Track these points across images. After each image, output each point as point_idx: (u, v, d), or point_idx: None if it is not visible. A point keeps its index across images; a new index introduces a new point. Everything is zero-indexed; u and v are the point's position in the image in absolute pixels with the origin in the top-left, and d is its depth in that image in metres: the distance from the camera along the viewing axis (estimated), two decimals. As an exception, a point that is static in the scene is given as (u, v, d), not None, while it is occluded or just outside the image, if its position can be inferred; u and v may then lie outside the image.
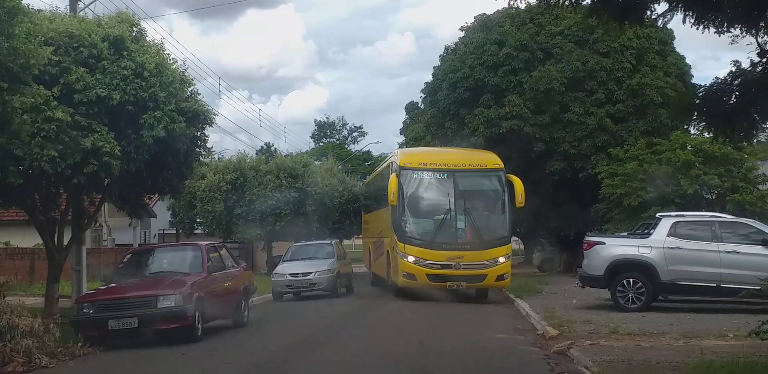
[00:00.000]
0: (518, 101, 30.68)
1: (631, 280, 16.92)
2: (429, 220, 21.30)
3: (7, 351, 11.05)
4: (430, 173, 21.52)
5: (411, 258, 20.61)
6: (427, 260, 20.52)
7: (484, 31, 33.27)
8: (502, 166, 21.92)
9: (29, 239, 26.17)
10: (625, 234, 19.97)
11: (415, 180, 21.34)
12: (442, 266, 20.50)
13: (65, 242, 17.76)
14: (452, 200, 20.97)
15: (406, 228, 21.11)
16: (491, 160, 22.44)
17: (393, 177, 21.24)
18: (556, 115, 30.81)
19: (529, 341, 13.13)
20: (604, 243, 17.76)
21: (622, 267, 17.09)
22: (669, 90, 30.49)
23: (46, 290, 17.57)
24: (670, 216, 17.86)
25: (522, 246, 49.08)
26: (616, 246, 17.53)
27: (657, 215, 18.63)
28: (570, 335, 13.05)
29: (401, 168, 21.46)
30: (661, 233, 17.12)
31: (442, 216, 20.97)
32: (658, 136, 29.14)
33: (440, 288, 20.60)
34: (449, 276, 20.56)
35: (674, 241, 16.90)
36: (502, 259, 20.91)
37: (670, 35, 33.01)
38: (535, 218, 33.18)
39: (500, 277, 20.98)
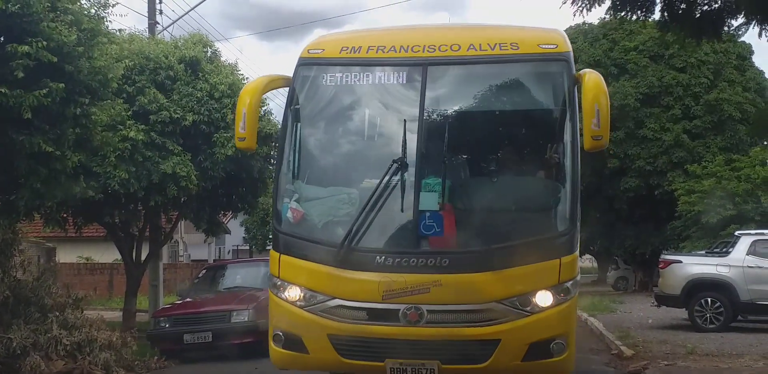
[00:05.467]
0: (592, 117, 30.32)
1: (709, 300, 16.52)
2: (346, 192, 8.24)
3: (85, 364, 11.30)
4: (363, 72, 8.41)
5: (294, 293, 7.99)
6: (333, 298, 7.76)
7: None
8: (566, 49, 8.46)
9: (108, 254, 26.84)
10: (703, 252, 19.55)
11: (323, 90, 8.57)
12: (373, 314, 7.66)
13: (143, 257, 18.14)
14: (413, 138, 7.90)
15: (289, 214, 8.18)
16: (535, 37, 8.63)
17: (262, 82, 8.50)
18: (630, 131, 30.44)
19: (603, 361, 12.91)
20: (680, 262, 17.42)
21: (699, 287, 16.71)
22: (748, 105, 30.01)
23: (124, 304, 17.98)
24: (749, 234, 17.44)
25: (596, 264, 48.40)
26: (693, 265, 17.16)
27: (736, 233, 18.21)
28: (646, 355, 12.79)
29: (301, 62, 8.58)
30: (740, 251, 16.73)
31: (383, 180, 7.77)
32: (737, 153, 28.63)
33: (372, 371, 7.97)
34: (393, 344, 7.69)
35: (754, 260, 16.49)
36: (546, 297, 7.60)
37: (748, 49, 32.45)
38: (610, 236, 32.82)
39: (541, 347, 7.61)
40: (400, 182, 7.72)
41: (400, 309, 7.45)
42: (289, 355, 8.17)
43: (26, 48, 9.72)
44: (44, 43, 9.90)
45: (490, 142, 8.70)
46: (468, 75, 8.53)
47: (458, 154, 8.37)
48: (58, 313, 11.76)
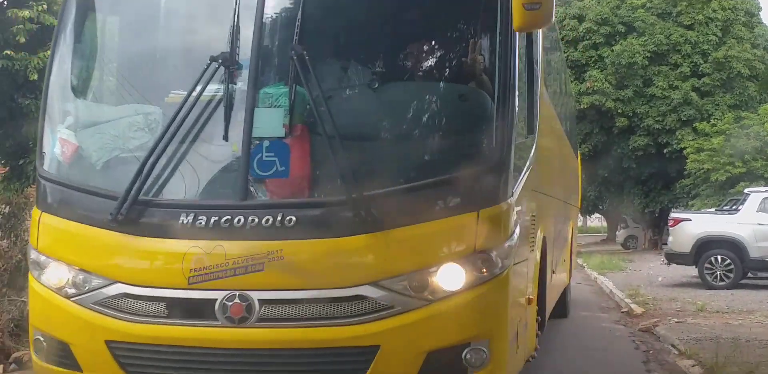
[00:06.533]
0: (599, 76, 30.19)
1: (719, 257, 16.55)
2: (143, 112, 5.12)
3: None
4: None
5: (58, 274, 4.92)
6: (113, 283, 4.75)
7: (563, 5, 32.79)
8: None
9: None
10: (713, 210, 19.56)
11: None
12: (175, 308, 4.67)
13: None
14: (248, 22, 4.82)
15: (57, 148, 5.17)
16: None
17: None
18: (639, 89, 30.28)
19: (613, 319, 12.96)
20: (690, 220, 17.43)
21: (709, 244, 16.72)
22: (757, 62, 29.79)
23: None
24: (759, 191, 17.41)
25: (605, 223, 48.55)
26: (703, 223, 17.17)
27: (745, 191, 18.22)
28: (655, 313, 12.84)
29: None
30: (750, 209, 16.73)
31: (196, 90, 4.80)
32: (746, 110, 28.49)
33: None
34: (207, 356, 4.67)
35: (764, 217, 16.47)
36: (453, 275, 4.62)
37: (756, 6, 32.14)
38: (619, 195, 32.88)
39: (446, 357, 4.63)
40: (224, 93, 4.86)
41: (216, 300, 4.59)
42: (54, 372, 5.07)
43: (27, 12, 9.68)
44: (45, 5, 9.84)
45: (371, 29, 5.41)
46: None
47: (319, 49, 4.96)
48: (70, 277, 11.85)
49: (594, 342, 10.71)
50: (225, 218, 4.57)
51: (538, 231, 6.35)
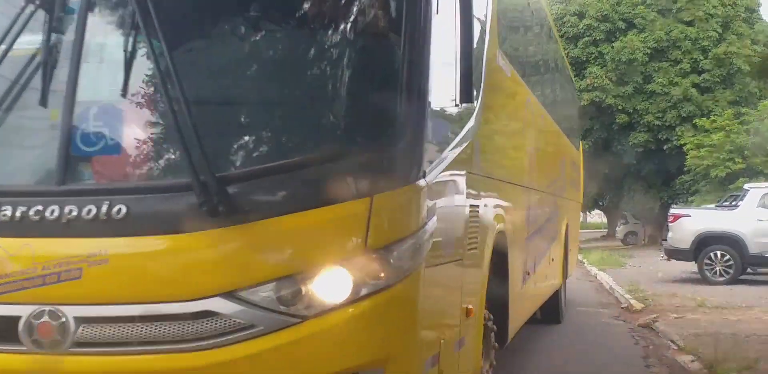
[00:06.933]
0: (600, 73, 30.26)
1: (718, 253, 16.60)
2: None
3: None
4: None
5: None
6: None
7: (564, 2, 32.87)
8: None
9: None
10: (712, 206, 19.62)
11: None
12: None
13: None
14: None
15: None
16: None
17: None
18: (639, 85, 30.37)
19: (612, 314, 12.99)
20: (690, 216, 17.50)
21: (709, 240, 16.78)
22: (757, 58, 29.80)
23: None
24: (758, 187, 17.45)
25: (605, 220, 48.61)
26: (702, 219, 17.24)
27: (745, 186, 18.26)
28: (655, 308, 12.87)
29: None
30: (749, 205, 16.79)
31: (6, 40, 3.66)
32: (746, 106, 28.58)
33: None
34: None
35: (763, 213, 16.53)
36: (337, 282, 3.40)
37: (756, 2, 32.20)
38: (619, 191, 32.98)
39: None
40: (43, 45, 3.73)
41: (21, 318, 3.48)
42: None
43: None
44: None
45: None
46: None
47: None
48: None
49: (593, 337, 10.76)
50: (35, 209, 3.46)
51: (491, 225, 5.26)
